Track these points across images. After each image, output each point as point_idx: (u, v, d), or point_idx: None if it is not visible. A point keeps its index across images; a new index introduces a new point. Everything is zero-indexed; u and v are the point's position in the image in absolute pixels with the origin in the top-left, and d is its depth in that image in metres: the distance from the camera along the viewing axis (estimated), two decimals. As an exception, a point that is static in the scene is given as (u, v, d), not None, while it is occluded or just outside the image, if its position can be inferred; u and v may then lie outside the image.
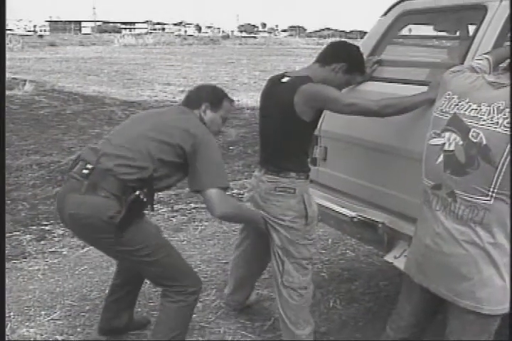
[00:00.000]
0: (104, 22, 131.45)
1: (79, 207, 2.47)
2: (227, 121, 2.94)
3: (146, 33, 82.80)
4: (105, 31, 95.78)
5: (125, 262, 2.88)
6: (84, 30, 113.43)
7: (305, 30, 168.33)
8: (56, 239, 4.60)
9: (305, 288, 2.86)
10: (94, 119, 10.51)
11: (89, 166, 2.48)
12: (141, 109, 11.57)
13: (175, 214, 5.34)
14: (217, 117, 2.76)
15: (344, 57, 2.77)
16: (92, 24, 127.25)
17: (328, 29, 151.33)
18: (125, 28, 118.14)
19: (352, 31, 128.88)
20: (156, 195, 2.70)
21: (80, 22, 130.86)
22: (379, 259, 3.93)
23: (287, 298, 2.85)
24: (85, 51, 37.14)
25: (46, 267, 4.05)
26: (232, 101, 2.87)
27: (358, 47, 2.87)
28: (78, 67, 22.78)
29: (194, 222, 5.07)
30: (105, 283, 3.77)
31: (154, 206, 2.67)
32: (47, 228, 4.84)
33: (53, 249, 4.39)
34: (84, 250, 4.36)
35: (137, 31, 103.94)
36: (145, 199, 2.51)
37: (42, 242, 4.53)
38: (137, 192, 2.47)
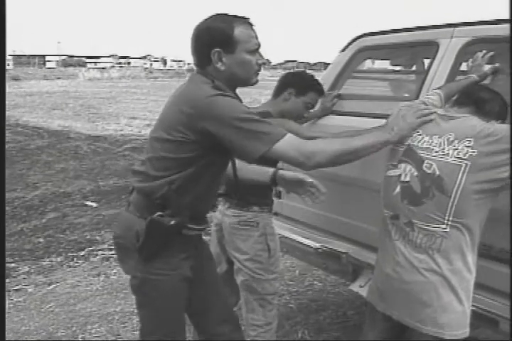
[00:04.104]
0: (69, 56, 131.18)
1: (117, 224, 2.29)
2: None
3: (112, 67, 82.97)
4: (70, 65, 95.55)
5: None
6: (48, 64, 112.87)
7: (270, 62, 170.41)
8: (21, 277, 4.53)
9: (270, 324, 2.88)
10: (59, 154, 10.45)
11: None
12: (107, 144, 11.58)
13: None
14: (242, 56, 2.04)
15: (289, 83, 2.86)
16: (57, 58, 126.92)
17: (293, 61, 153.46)
18: (90, 62, 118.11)
19: (316, 63, 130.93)
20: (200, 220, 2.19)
21: (44, 56, 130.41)
22: (346, 289, 3.97)
23: (253, 336, 2.87)
24: (50, 85, 37.06)
25: (11, 305, 3.99)
26: (246, 22, 2.06)
27: (302, 71, 2.97)
28: (43, 102, 22.69)
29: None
30: (72, 320, 3.74)
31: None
32: (11, 265, 4.76)
33: (18, 287, 4.33)
34: (51, 287, 4.32)
35: (102, 65, 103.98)
36: (171, 223, 2.01)
37: (6, 280, 4.45)
38: (157, 213, 2.02)
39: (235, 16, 2.06)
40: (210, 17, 2.06)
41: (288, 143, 1.93)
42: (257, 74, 2.15)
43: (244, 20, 2.05)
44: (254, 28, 2.08)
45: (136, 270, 2.12)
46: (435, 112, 2.10)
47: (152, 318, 2.19)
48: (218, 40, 2.00)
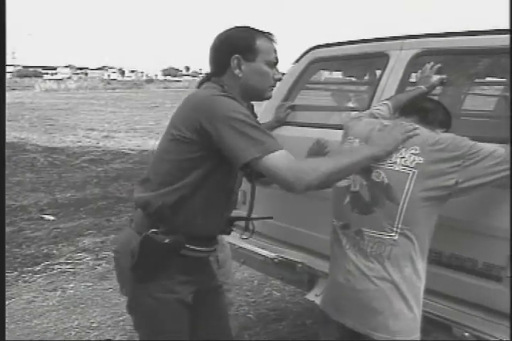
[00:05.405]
0: (25, 66, 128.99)
1: (119, 238, 2.21)
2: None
3: (69, 78, 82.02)
4: (26, 76, 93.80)
5: None
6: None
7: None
8: (-26, 293, 4.44)
9: None
10: (15, 166, 10.26)
11: None
12: (64, 156, 11.43)
13: (100, 262, 5.26)
14: (261, 66, 2.02)
15: None
16: (12, 69, 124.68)
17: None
18: (46, 73, 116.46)
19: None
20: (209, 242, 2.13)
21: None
22: (304, 298, 4.01)
23: None
24: (5, 97, 36.28)
25: (-36, 323, 3.90)
26: (268, 36, 2.06)
27: None
28: (-3, 114, 22.22)
29: (120, 268, 5.01)
30: (27, 336, 3.68)
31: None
32: (-35, 282, 4.66)
33: (-29, 304, 4.24)
34: (5, 303, 4.23)
35: (59, 76, 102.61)
36: (165, 241, 1.93)
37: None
38: (150, 230, 1.94)
39: (258, 30, 2.06)
40: (232, 28, 2.06)
41: (281, 158, 1.79)
42: (272, 89, 2.12)
43: (267, 34, 2.05)
44: (275, 44, 2.08)
45: (130, 290, 2.05)
46: (417, 128, 2.08)
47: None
48: (240, 46, 1.99)
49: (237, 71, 1.99)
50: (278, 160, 1.78)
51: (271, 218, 2.71)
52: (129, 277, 2.00)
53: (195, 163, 1.91)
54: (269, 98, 2.18)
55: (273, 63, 2.05)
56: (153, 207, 1.96)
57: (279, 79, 2.11)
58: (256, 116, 2.08)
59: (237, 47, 1.99)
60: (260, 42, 2.01)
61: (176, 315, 2.05)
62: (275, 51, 2.07)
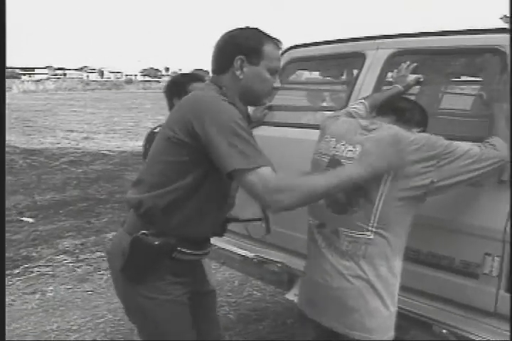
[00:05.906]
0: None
1: (112, 240, 2.18)
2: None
3: (47, 79, 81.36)
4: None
5: None
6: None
7: (208, 73, 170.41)
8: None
9: None
10: (-8, 169, 10.15)
11: None
12: (43, 157, 11.35)
13: (80, 264, 5.22)
14: (263, 72, 1.97)
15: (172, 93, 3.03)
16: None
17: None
18: (24, 74, 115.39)
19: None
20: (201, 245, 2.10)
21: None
22: (284, 298, 4.02)
23: None
24: (-18, 98, 35.94)
25: None
26: (276, 43, 2.02)
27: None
28: (-25, 115, 22.00)
29: (99, 271, 4.98)
30: None
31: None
32: None
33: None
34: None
35: (37, 77, 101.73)
36: (155, 243, 1.91)
37: None
38: (140, 232, 1.93)
39: (267, 34, 2.01)
40: (242, 28, 2.01)
41: (264, 176, 1.74)
42: (270, 96, 2.10)
43: (275, 41, 2.01)
44: (280, 51, 2.05)
45: (122, 291, 2.04)
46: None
47: None
48: (246, 48, 1.94)
49: (238, 72, 1.95)
50: (260, 177, 1.74)
51: (260, 220, 2.73)
52: (120, 279, 2.00)
53: (187, 166, 1.88)
54: (264, 104, 2.16)
55: (275, 71, 2.01)
56: (144, 208, 1.94)
57: (278, 88, 2.07)
58: (250, 117, 2.06)
59: (243, 48, 1.94)
60: (267, 48, 1.96)
61: (172, 315, 2.03)
62: (279, 59, 2.04)
